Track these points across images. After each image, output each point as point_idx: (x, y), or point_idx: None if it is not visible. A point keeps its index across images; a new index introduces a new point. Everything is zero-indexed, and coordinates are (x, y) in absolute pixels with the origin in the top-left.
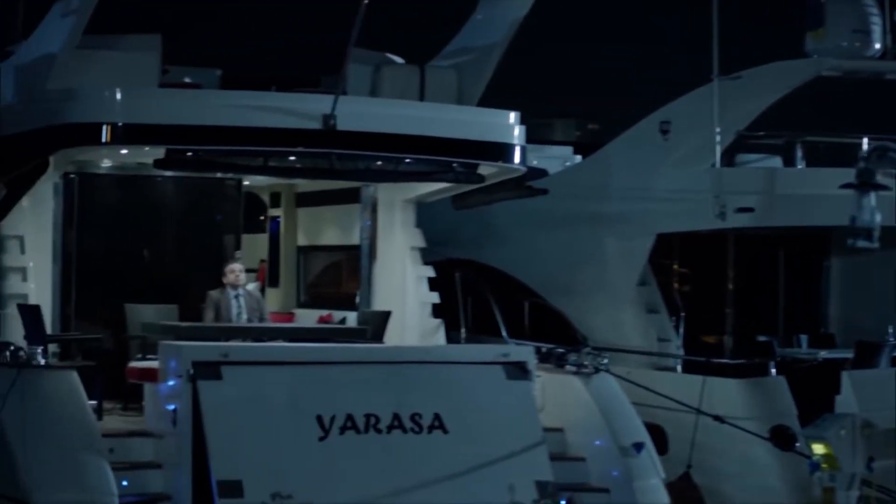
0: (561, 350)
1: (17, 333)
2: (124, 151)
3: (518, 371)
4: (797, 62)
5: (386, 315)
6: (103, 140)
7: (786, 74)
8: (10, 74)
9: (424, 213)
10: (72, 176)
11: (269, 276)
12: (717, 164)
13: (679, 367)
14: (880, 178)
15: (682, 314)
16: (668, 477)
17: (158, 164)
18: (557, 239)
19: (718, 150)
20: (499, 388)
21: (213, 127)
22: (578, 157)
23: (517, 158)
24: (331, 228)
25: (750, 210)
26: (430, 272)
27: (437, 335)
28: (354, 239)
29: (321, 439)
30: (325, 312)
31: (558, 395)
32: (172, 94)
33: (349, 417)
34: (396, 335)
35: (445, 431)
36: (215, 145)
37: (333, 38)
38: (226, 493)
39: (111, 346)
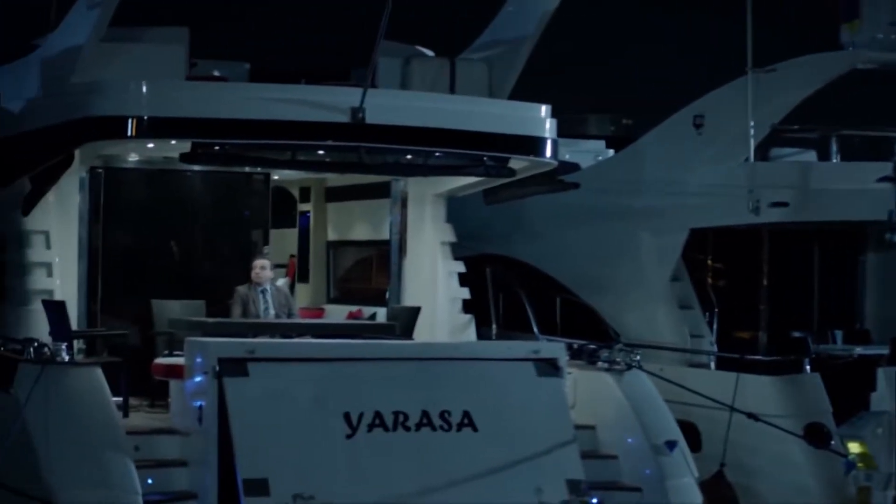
0: (593, 346)
1: (42, 329)
2: (150, 145)
3: (549, 368)
4: (832, 54)
5: (416, 311)
6: (128, 133)
7: (821, 67)
8: (36, 68)
9: (455, 208)
10: (98, 170)
11: (298, 271)
12: (751, 159)
13: (712, 364)
14: None
15: (716, 310)
16: (701, 475)
17: (184, 157)
18: (589, 234)
19: (752, 143)
20: (530, 385)
21: (239, 120)
22: (611, 152)
23: (548, 152)
24: (360, 223)
25: (784, 205)
26: (460, 267)
27: (468, 331)
28: (384, 234)
29: (349, 437)
30: (354, 308)
31: (590, 392)
32: (198, 87)
33: (377, 415)
34: (426, 331)
35: (475, 429)
36: (242, 139)
37: (363, 31)
38: (252, 492)
39: (137, 343)
